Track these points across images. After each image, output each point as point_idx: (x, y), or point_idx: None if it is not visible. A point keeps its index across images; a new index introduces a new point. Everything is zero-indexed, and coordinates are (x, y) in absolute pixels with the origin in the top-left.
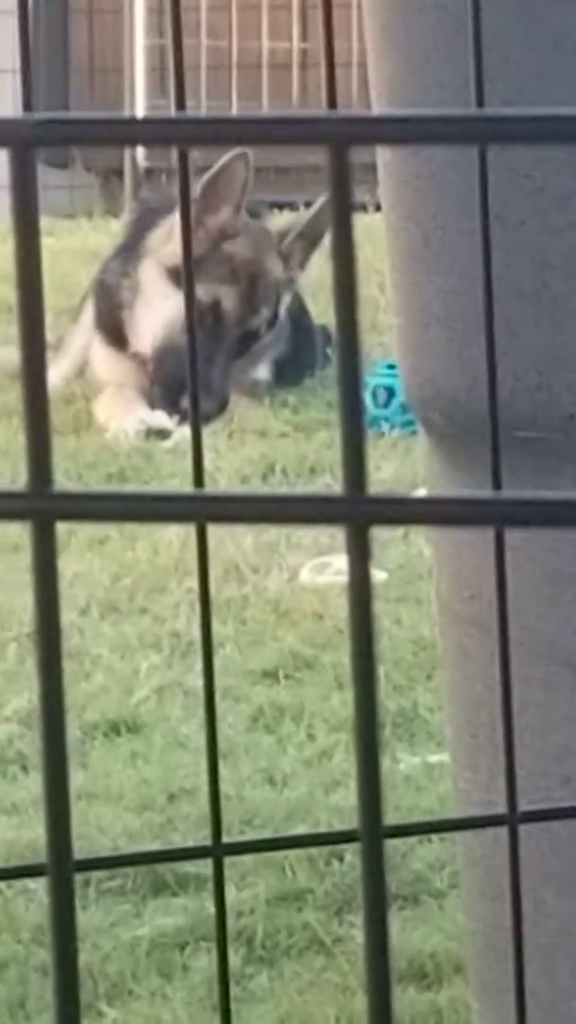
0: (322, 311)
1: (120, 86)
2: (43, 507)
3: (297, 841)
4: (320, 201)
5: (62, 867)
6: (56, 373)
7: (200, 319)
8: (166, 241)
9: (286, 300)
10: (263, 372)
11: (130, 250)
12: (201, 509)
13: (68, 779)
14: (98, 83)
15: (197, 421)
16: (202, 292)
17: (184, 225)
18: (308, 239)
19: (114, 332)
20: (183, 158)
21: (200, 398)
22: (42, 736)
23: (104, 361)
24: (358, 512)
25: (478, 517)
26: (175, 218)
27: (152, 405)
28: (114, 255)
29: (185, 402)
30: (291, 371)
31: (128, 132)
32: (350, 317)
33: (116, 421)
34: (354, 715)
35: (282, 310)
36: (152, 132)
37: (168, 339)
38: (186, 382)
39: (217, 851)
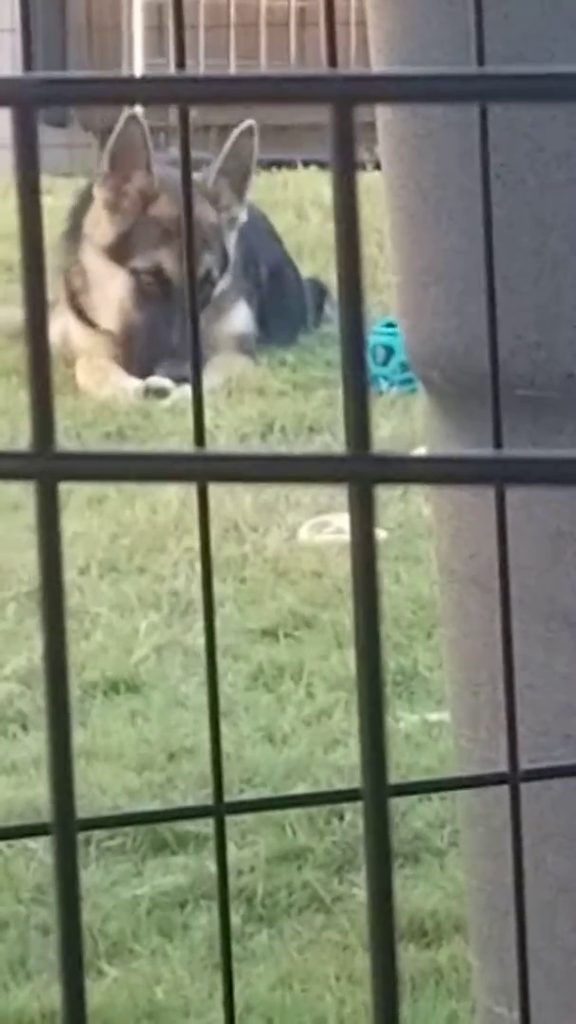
0: (320, 269)
1: (118, 44)
2: (46, 467)
3: (298, 800)
4: (234, 134)
5: (66, 827)
6: (55, 331)
7: (146, 289)
8: (97, 223)
9: (232, 238)
10: (247, 325)
11: (73, 236)
12: (205, 468)
13: (71, 738)
14: (96, 41)
15: (198, 380)
16: (140, 262)
17: (185, 183)
18: (233, 175)
19: (80, 313)
20: (183, 117)
21: (175, 364)
22: (45, 694)
23: (80, 335)
24: (363, 470)
25: (482, 476)
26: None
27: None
28: (62, 240)
29: (164, 370)
30: (277, 323)
31: (129, 91)
32: (353, 276)
33: (100, 386)
34: (356, 672)
35: (231, 249)
36: (153, 91)
37: (125, 317)
38: (157, 353)
39: (219, 810)
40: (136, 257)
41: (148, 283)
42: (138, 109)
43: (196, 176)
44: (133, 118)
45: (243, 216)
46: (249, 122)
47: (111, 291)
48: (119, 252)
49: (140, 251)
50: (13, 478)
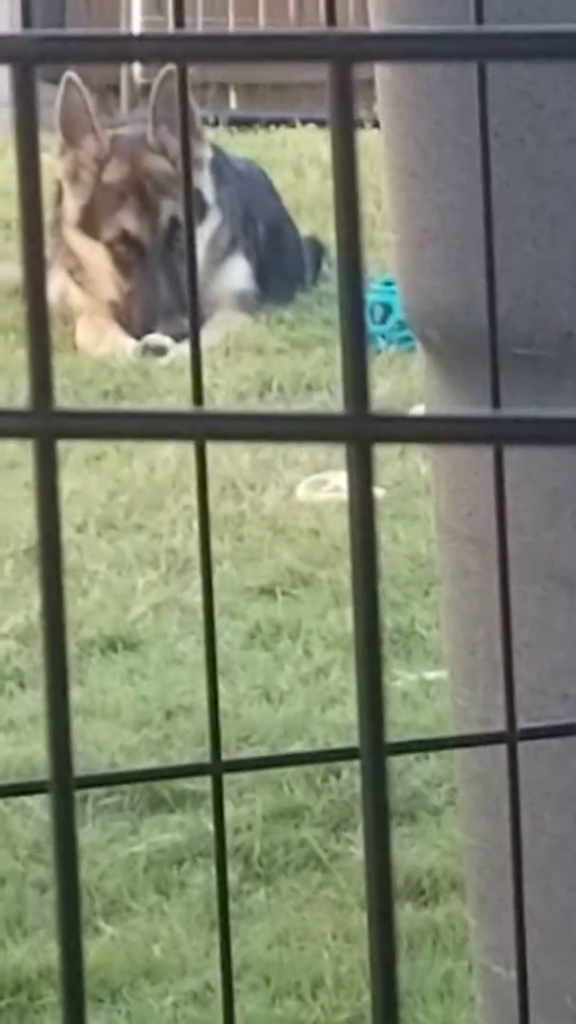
0: (319, 227)
1: (116, 2)
2: (45, 426)
3: (295, 758)
4: (156, 84)
5: (64, 784)
6: (53, 289)
7: (124, 258)
8: (65, 199)
9: (205, 178)
10: (247, 282)
11: (57, 222)
12: (204, 427)
13: (69, 695)
14: None
15: (196, 337)
16: (108, 232)
17: (184, 139)
18: (173, 122)
19: (81, 286)
20: (182, 74)
21: (174, 322)
22: (43, 651)
23: (79, 296)
24: (362, 430)
25: (481, 435)
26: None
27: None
28: (50, 231)
29: (163, 328)
30: (275, 281)
31: (129, 49)
32: (352, 234)
33: (98, 344)
34: (354, 630)
35: (207, 190)
36: (153, 49)
37: (118, 288)
38: (154, 314)
39: (216, 768)
40: (104, 228)
41: (122, 252)
42: (72, 73)
43: (140, 132)
44: (71, 83)
45: (207, 153)
46: (168, 67)
47: (98, 266)
48: (88, 226)
49: (105, 221)
50: (12, 437)
